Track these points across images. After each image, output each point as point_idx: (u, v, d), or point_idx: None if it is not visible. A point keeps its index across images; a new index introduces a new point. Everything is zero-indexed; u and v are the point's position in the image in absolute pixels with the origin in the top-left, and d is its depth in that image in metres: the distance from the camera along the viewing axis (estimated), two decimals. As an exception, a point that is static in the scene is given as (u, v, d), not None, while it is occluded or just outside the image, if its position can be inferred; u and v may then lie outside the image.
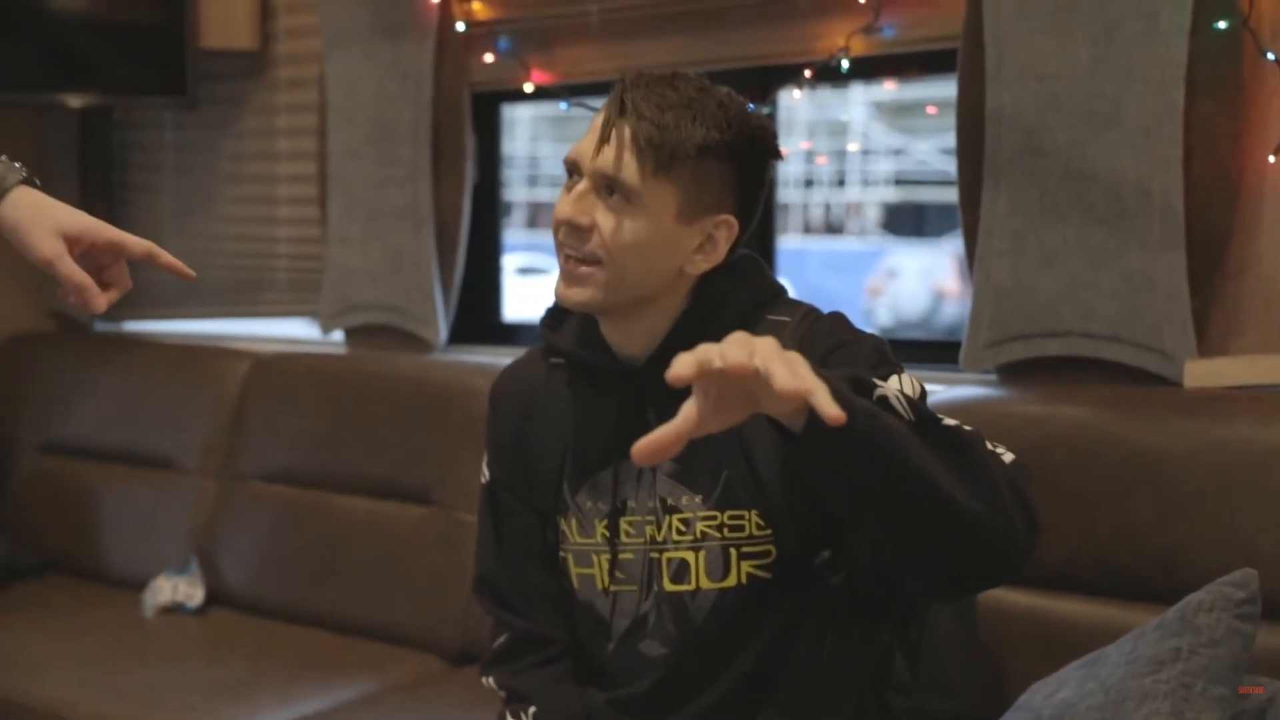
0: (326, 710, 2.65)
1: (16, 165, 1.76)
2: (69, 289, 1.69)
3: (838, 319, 1.84)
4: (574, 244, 1.76)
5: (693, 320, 1.81)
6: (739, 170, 1.79)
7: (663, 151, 1.72)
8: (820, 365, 1.52)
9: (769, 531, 1.77)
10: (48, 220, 1.70)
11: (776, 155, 1.87)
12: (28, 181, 1.74)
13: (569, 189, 1.78)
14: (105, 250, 1.72)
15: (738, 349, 1.35)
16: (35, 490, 3.77)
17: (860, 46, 2.69)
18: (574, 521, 1.89)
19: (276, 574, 3.22)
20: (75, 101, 3.76)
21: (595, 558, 1.88)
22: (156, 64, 3.67)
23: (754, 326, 1.72)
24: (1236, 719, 1.70)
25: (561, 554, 1.92)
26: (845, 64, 2.72)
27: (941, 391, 2.41)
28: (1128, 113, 2.32)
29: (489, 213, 3.49)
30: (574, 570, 1.90)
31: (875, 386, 1.52)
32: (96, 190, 4.04)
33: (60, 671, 2.88)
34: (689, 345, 1.52)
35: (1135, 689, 1.70)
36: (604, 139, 1.74)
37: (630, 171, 1.73)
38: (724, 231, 1.80)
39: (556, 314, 1.95)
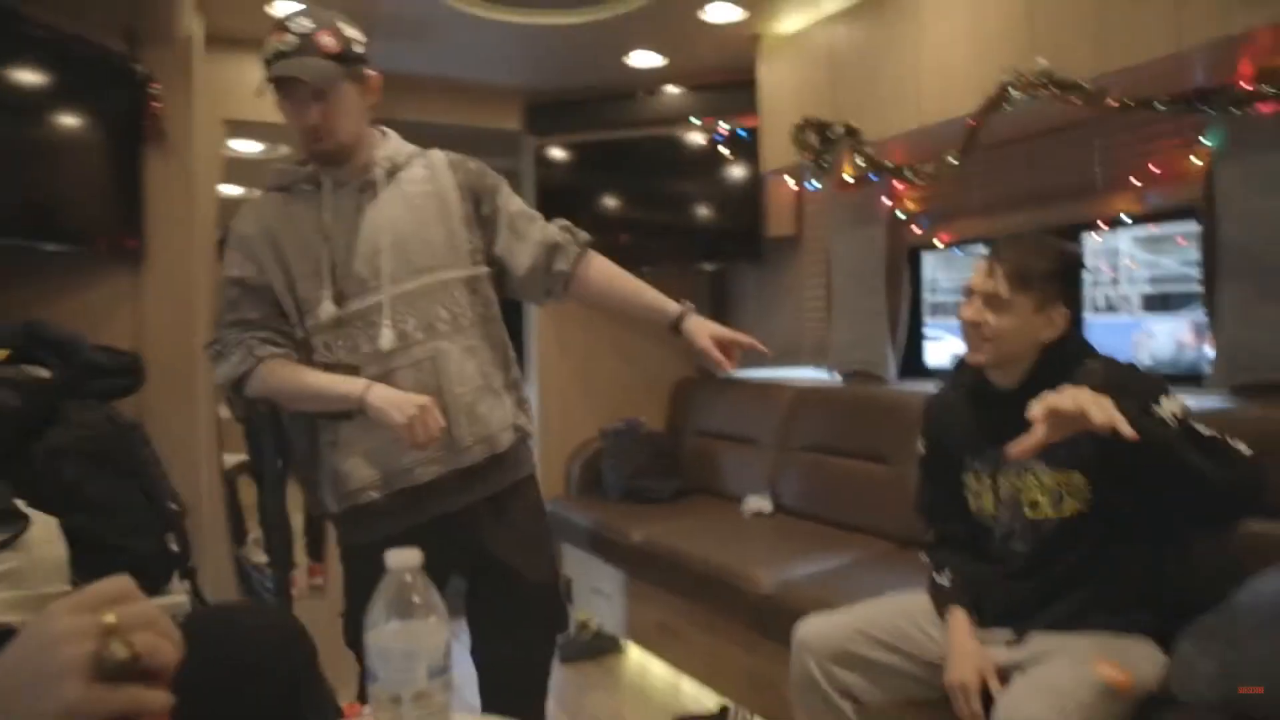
0: (836, 567, 2.61)
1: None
2: (710, 359, 1.78)
3: (1130, 364, 1.68)
4: (974, 333, 1.71)
5: (1042, 367, 1.69)
6: (1064, 282, 1.70)
7: (1018, 278, 1.66)
8: (1125, 390, 1.48)
9: (1088, 484, 1.64)
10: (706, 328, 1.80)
11: (1084, 268, 1.81)
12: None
13: (969, 302, 1.72)
14: (730, 343, 1.79)
15: (1066, 400, 1.36)
16: (695, 455, 3.77)
17: (1135, 207, 2.47)
18: (971, 476, 1.80)
19: (808, 498, 3.18)
20: (708, 267, 3.88)
21: (984, 496, 1.77)
22: (748, 245, 3.70)
23: (1076, 370, 1.64)
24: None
25: (965, 493, 1.82)
26: (1127, 219, 2.49)
27: (1194, 403, 2.09)
28: None
29: (917, 308, 3.34)
30: (972, 502, 1.81)
31: (1155, 411, 1.47)
32: (719, 307, 4.14)
33: (699, 541, 2.91)
34: (1041, 383, 1.60)
35: None
36: (989, 273, 1.68)
37: (1004, 290, 1.67)
38: (1059, 317, 1.70)
39: (959, 364, 1.86)
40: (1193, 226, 2.35)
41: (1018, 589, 1.72)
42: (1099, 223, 2.55)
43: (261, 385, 1.62)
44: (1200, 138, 2.26)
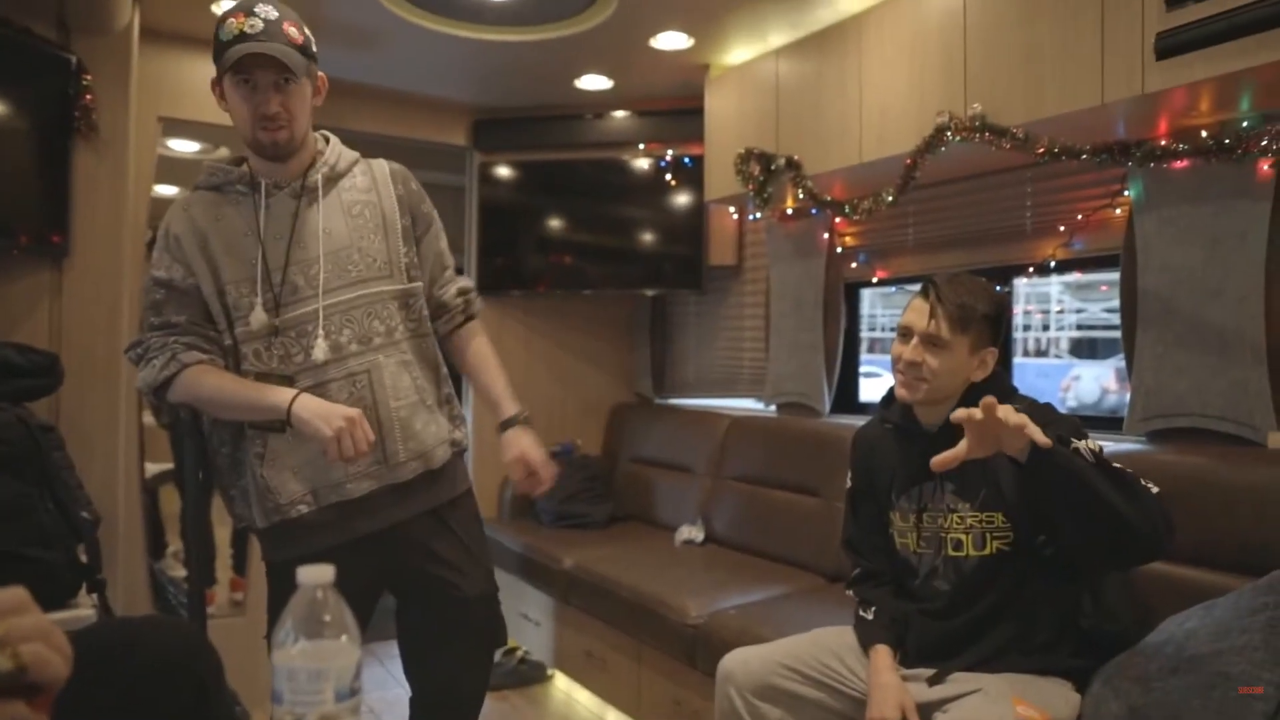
0: (766, 599, 2.61)
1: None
2: (512, 476, 1.77)
3: (1050, 406, 1.72)
4: (912, 372, 1.72)
5: (967, 406, 1.72)
6: (995, 325, 1.74)
7: (961, 320, 1.69)
8: (1044, 426, 1.49)
9: (1009, 524, 1.68)
10: None
11: (1009, 313, 1.85)
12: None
13: (903, 341, 1.74)
14: (538, 467, 1.75)
15: (988, 407, 1.43)
16: (628, 481, 3.82)
17: (1061, 253, 2.53)
18: (897, 514, 1.82)
19: (740, 528, 3.18)
20: (648, 292, 3.83)
21: (909, 534, 1.79)
22: (689, 273, 3.72)
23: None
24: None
25: (890, 530, 1.84)
26: (1053, 264, 2.56)
27: (1111, 446, 2.16)
28: (1228, 289, 2.14)
29: (852, 342, 3.38)
30: (898, 540, 1.83)
31: (1071, 441, 1.48)
32: (659, 334, 4.13)
33: (630, 569, 2.93)
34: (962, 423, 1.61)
35: (1238, 624, 1.54)
36: (931, 315, 1.70)
37: (944, 332, 1.69)
38: (990, 357, 1.75)
39: (887, 400, 1.89)
40: (1116, 275, 2.42)
41: (939, 628, 1.73)
42: (1029, 267, 2.61)
43: (185, 392, 1.57)
44: (1123, 189, 2.34)
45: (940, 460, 1.47)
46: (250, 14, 1.55)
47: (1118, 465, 1.49)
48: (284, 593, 1.69)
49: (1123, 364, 2.35)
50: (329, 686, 0.74)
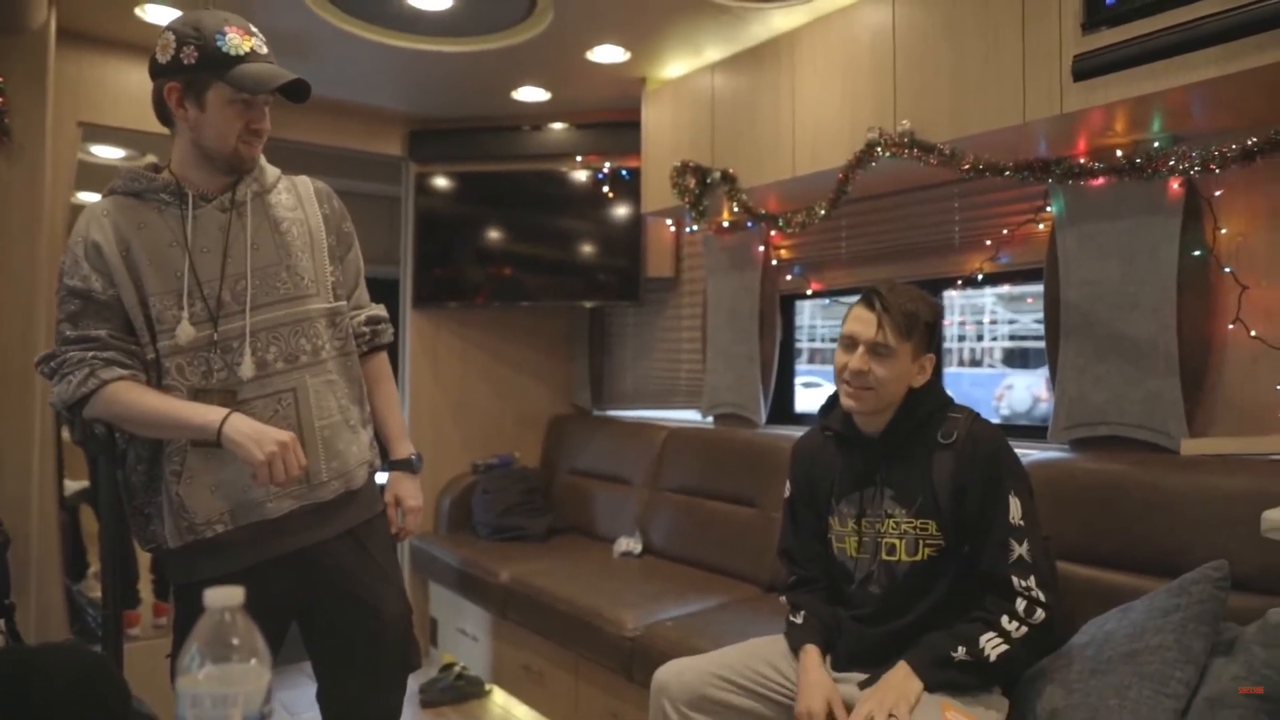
0: (702, 611, 2.61)
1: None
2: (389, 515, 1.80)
3: (993, 431, 1.75)
4: (857, 381, 1.74)
5: (906, 413, 1.77)
6: (934, 331, 1.79)
7: (907, 328, 1.73)
8: (987, 463, 1.66)
9: (941, 533, 1.71)
10: None
11: (943, 319, 1.88)
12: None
13: (846, 350, 1.76)
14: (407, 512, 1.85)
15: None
16: (567, 493, 3.81)
17: (988, 266, 2.58)
18: (836, 519, 1.84)
19: (677, 540, 3.18)
20: (588, 304, 3.80)
21: (847, 539, 1.81)
22: (627, 284, 3.71)
23: (938, 416, 1.75)
24: (1215, 648, 1.52)
25: (829, 535, 1.86)
26: (980, 277, 2.60)
27: (1034, 454, 2.25)
28: (1143, 301, 2.20)
29: (788, 353, 3.40)
30: (835, 545, 1.85)
31: (950, 657, 1.60)
32: (596, 345, 4.11)
33: (568, 582, 2.92)
34: (907, 428, 1.75)
35: (1152, 625, 1.59)
36: (879, 324, 1.72)
37: (891, 340, 1.72)
38: (928, 363, 1.79)
39: (828, 405, 1.91)
40: (1041, 288, 2.47)
41: (871, 633, 1.75)
42: (957, 279, 2.65)
43: (105, 409, 1.51)
44: (1045, 205, 2.39)
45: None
46: (249, 33, 1.57)
47: (999, 647, 1.59)
48: (193, 616, 1.64)
49: (1048, 374, 2.42)
50: (237, 712, 0.72)
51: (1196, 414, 2.13)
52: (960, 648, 1.60)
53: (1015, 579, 1.62)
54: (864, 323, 1.74)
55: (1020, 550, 1.63)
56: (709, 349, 3.43)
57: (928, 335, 1.76)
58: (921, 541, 1.71)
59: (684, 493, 3.26)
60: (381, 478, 1.84)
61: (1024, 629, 1.60)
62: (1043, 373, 2.41)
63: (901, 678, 1.59)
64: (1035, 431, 2.52)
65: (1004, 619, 1.61)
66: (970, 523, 1.68)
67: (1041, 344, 2.42)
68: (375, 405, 1.83)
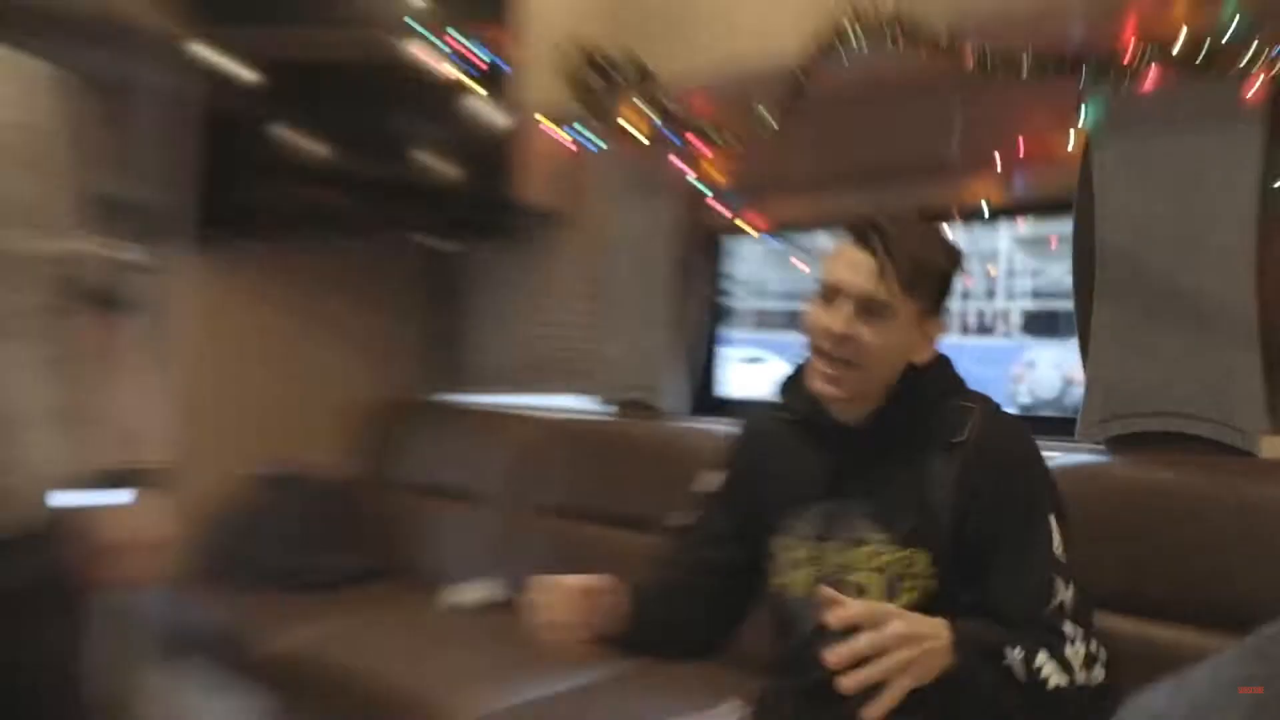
0: (582, 689, 2.57)
1: None
2: None
3: (1017, 428, 1.79)
4: (840, 351, 1.72)
5: (902, 399, 1.78)
6: (948, 287, 1.80)
7: (916, 279, 1.72)
8: (1012, 472, 1.70)
9: (935, 570, 1.72)
10: None
11: (963, 270, 1.88)
12: None
13: (826, 306, 1.74)
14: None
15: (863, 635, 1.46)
16: (389, 517, 3.71)
17: (999, 197, 2.61)
18: (785, 539, 1.84)
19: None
20: (449, 246, 3.78)
21: (799, 570, 1.81)
22: (491, 218, 3.61)
23: (944, 409, 1.77)
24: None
25: (769, 562, 1.86)
26: (987, 210, 2.63)
27: (1060, 457, 2.27)
28: (1208, 244, 2.22)
29: (719, 317, 3.43)
30: (776, 578, 1.85)
31: (1003, 655, 1.56)
32: (444, 304, 4.10)
33: (381, 652, 2.82)
34: (900, 419, 1.76)
35: (1219, 703, 1.55)
36: (880, 270, 1.70)
37: (893, 295, 1.70)
38: (936, 329, 1.81)
39: (789, 382, 1.91)
40: (1068, 226, 2.47)
41: (830, 713, 1.69)
42: (954, 212, 2.67)
43: None
44: (1077, 113, 2.37)
45: (850, 681, 1.47)
46: None
47: (1068, 678, 1.57)
48: None
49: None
50: None
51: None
52: (1018, 650, 1.58)
53: (1069, 628, 1.63)
54: (856, 268, 1.73)
55: (1066, 596, 1.64)
56: (607, 309, 3.43)
57: (941, 292, 1.78)
58: (905, 581, 1.71)
59: (563, 514, 3.22)
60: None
61: (1086, 677, 1.60)
62: (1074, 344, 2.43)
63: (936, 634, 1.54)
64: (1063, 425, 2.53)
65: (1067, 649, 1.61)
66: (978, 558, 1.69)
67: (1071, 304, 2.44)
68: (100, 390, 1.81)
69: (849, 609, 1.50)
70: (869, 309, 1.71)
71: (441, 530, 3.56)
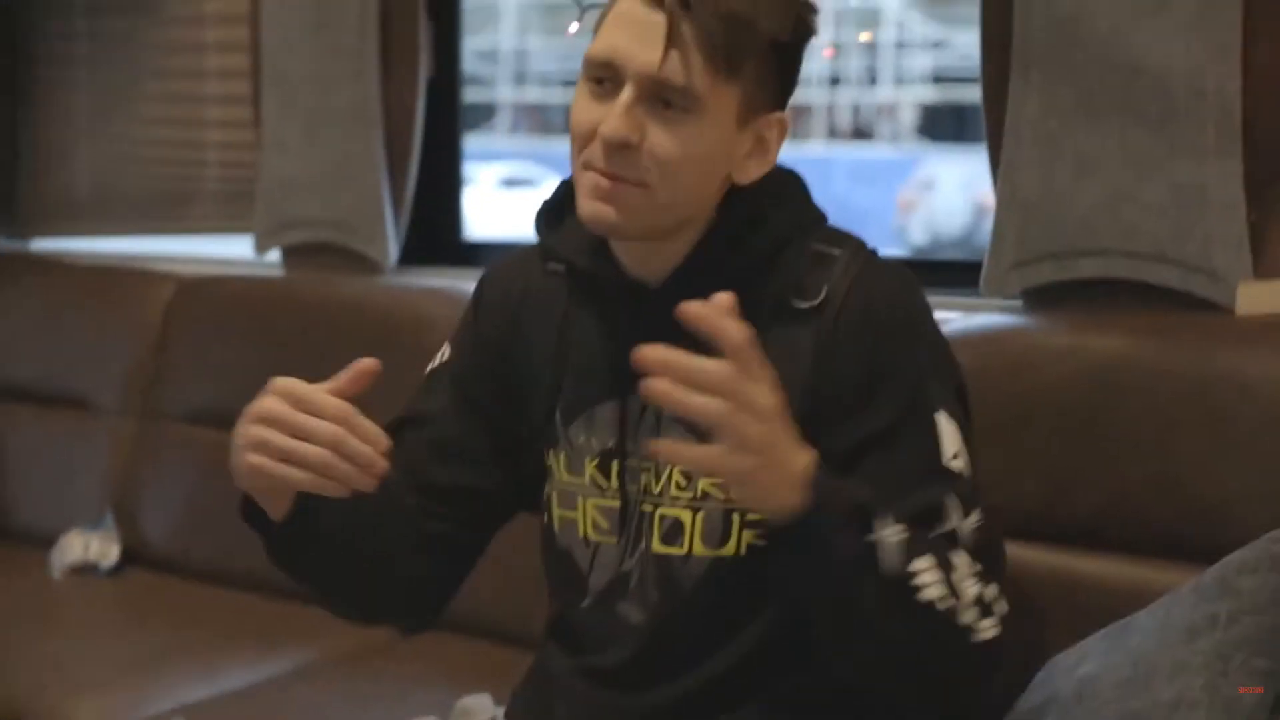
0: (260, 683, 2.69)
1: None
2: None
3: (899, 284, 1.83)
4: (619, 165, 1.71)
5: (721, 240, 1.83)
6: (792, 61, 1.81)
7: (733, 50, 1.69)
8: (886, 349, 1.76)
9: None
10: None
11: (815, 34, 1.85)
12: None
13: (597, 95, 1.74)
14: None
15: (718, 411, 1.48)
16: None
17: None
18: (563, 456, 1.90)
19: (203, 528, 3.22)
20: None
21: (581, 501, 1.89)
22: None
23: (795, 257, 1.81)
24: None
25: (546, 491, 1.93)
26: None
27: (958, 320, 2.40)
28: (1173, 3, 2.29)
29: (448, 114, 3.49)
30: (556, 512, 1.92)
31: (870, 525, 1.60)
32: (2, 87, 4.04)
33: None
34: (714, 269, 1.79)
35: (1166, 661, 1.72)
36: (670, 36, 1.67)
37: (695, 75, 1.68)
38: (776, 131, 1.81)
39: (555, 210, 1.92)
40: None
41: (623, 705, 1.85)
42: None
43: None
44: None
45: (661, 447, 1.58)
46: None
47: (939, 585, 1.65)
48: None
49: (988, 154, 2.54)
50: None
51: (1271, 232, 2.26)
52: (893, 529, 1.63)
53: (959, 558, 1.69)
54: (641, 35, 1.70)
55: (960, 523, 1.71)
56: (266, 98, 3.48)
57: (779, 71, 1.79)
58: (738, 516, 1.77)
59: (217, 424, 3.07)
60: None
61: (972, 619, 1.67)
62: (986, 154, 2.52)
63: (796, 458, 1.60)
64: (974, 273, 2.62)
65: (953, 575, 1.67)
66: (836, 466, 1.70)
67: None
68: None
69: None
70: (660, 98, 1.70)
71: (27, 456, 3.62)
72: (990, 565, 1.72)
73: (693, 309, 1.46)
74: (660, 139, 1.69)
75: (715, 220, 1.81)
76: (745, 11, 1.69)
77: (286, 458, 1.57)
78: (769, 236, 1.82)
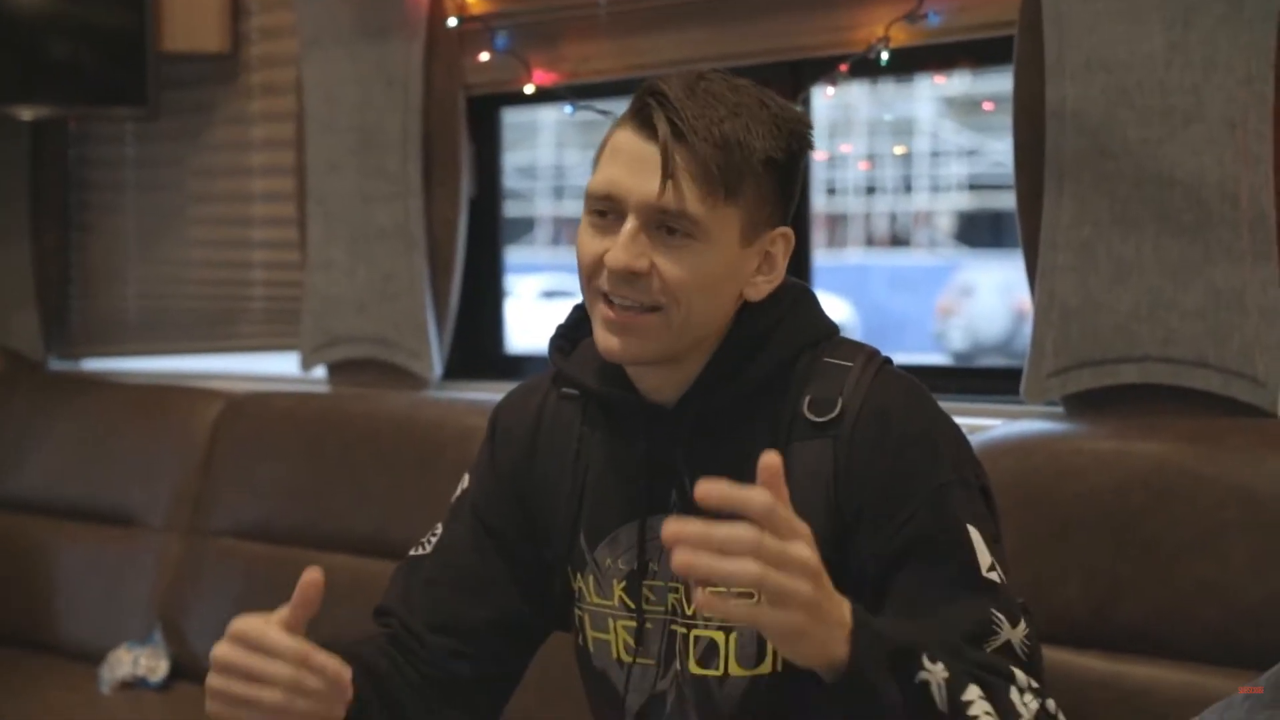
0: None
1: None
2: None
3: (912, 396, 1.81)
4: (628, 293, 1.72)
5: (733, 355, 1.82)
6: (790, 176, 1.80)
7: (729, 174, 1.71)
8: (904, 463, 1.72)
9: None
10: None
11: (811, 149, 1.86)
12: None
13: (600, 227, 1.76)
14: None
15: (741, 566, 1.41)
16: None
17: (902, 36, 2.71)
18: (591, 579, 1.89)
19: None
20: (26, 114, 3.77)
21: (612, 623, 1.88)
22: (115, 70, 3.71)
23: (809, 369, 1.81)
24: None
25: (577, 613, 1.92)
26: (885, 56, 2.72)
27: (1000, 427, 2.40)
28: (1210, 106, 2.32)
29: (489, 230, 3.50)
30: (590, 634, 1.90)
31: (919, 665, 1.57)
32: (50, 212, 4.11)
33: None
34: (727, 385, 1.80)
35: None
36: (665, 165, 1.69)
37: (694, 203, 1.70)
38: (781, 246, 1.82)
39: (567, 334, 1.94)
40: (1007, 83, 2.60)
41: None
42: (839, 61, 2.76)
43: None
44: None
45: (703, 600, 1.45)
46: None
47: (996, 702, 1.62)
48: None
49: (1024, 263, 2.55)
50: None
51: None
52: (940, 666, 1.60)
53: (1021, 676, 1.67)
54: (635, 165, 1.73)
55: (1013, 634, 1.70)
56: (311, 219, 3.49)
57: (779, 188, 1.79)
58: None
59: (264, 539, 3.28)
60: None
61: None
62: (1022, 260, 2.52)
63: (835, 609, 1.55)
64: (1009, 379, 2.66)
65: (1013, 693, 1.64)
66: (871, 599, 1.71)
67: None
68: None
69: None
70: (663, 226, 1.72)
71: (76, 571, 3.57)
72: (1040, 674, 1.71)
73: (707, 491, 1.40)
74: (667, 266, 1.71)
75: (727, 337, 1.82)
76: (738, 136, 1.71)
77: (246, 704, 1.57)
78: (780, 350, 1.82)
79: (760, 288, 1.80)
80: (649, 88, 1.73)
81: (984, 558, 1.69)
